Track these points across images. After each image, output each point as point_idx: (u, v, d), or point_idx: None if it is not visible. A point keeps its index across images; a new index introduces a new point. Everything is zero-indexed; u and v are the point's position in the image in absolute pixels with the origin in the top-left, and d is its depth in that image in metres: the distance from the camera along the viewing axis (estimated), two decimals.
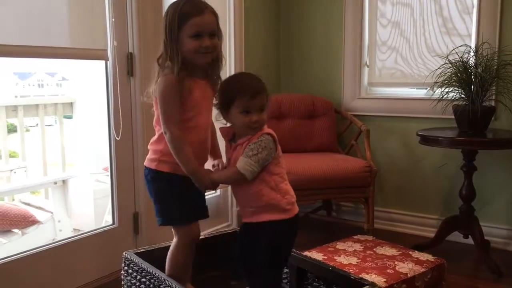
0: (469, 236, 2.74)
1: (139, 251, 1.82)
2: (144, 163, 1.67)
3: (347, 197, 3.01)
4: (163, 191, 1.64)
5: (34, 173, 3.49)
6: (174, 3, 1.56)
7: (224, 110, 1.57)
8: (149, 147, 1.68)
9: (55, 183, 3.03)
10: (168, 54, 1.54)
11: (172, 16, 1.52)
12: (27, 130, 4.00)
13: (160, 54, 1.59)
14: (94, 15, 2.30)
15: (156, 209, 1.67)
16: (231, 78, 1.65)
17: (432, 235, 2.90)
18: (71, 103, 3.63)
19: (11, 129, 3.71)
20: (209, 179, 1.57)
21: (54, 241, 2.31)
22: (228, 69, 3.00)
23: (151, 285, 1.60)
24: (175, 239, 1.68)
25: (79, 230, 3.11)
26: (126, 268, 1.76)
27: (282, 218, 1.55)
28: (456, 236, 2.83)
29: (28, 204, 3.00)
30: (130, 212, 2.52)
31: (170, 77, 1.52)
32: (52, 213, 2.96)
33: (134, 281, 1.70)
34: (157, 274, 1.59)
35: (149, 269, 1.63)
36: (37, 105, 3.48)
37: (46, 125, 3.54)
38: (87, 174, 3.46)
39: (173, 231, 1.69)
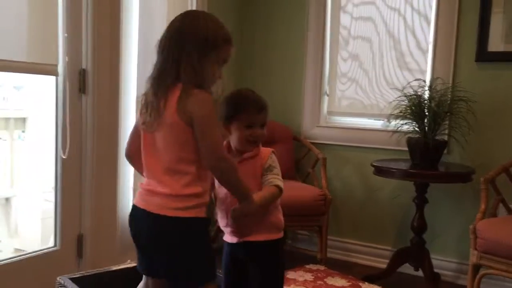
0: (420, 268, 2.75)
1: (74, 276, 1.73)
2: (167, 213, 1.38)
3: (301, 225, 2.98)
4: (202, 241, 1.45)
5: None
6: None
7: (226, 122, 1.58)
8: (174, 192, 1.39)
9: None
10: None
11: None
12: None
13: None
14: (46, 29, 2.24)
15: (187, 267, 1.40)
16: (237, 92, 1.67)
17: (384, 266, 2.89)
18: (24, 118, 3.50)
19: None
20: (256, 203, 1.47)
21: None
22: None
23: None
24: None
25: (22, 250, 2.96)
26: None
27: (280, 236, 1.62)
28: (407, 268, 2.83)
29: None
30: (74, 234, 2.42)
31: (210, 95, 1.41)
32: None
33: None
34: None
35: None
36: None
37: None
38: (36, 192, 3.32)
39: None
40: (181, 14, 1.48)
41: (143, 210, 1.43)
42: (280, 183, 1.54)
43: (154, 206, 1.39)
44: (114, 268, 1.84)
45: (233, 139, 1.59)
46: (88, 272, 1.80)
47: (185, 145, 1.37)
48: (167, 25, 1.47)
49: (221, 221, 1.61)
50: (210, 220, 1.45)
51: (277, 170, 1.57)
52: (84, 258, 2.44)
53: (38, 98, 3.27)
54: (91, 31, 2.35)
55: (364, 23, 3.21)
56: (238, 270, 1.63)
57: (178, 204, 1.37)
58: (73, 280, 1.69)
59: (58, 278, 1.69)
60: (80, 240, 2.43)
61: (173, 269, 1.41)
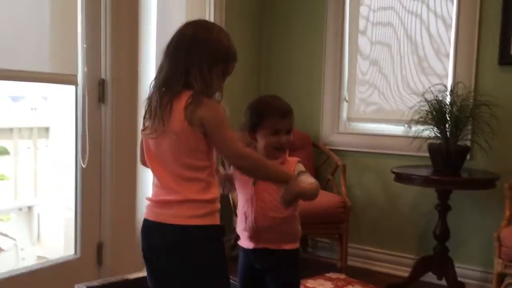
0: (443, 277, 2.68)
1: (92, 284, 1.74)
2: (181, 222, 1.34)
3: (320, 233, 2.95)
4: (219, 251, 1.40)
5: (4, 197, 3.40)
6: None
7: (251, 131, 1.58)
8: (186, 197, 1.35)
9: (20, 209, 2.94)
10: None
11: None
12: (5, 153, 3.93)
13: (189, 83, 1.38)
14: (66, 40, 2.28)
15: (206, 282, 1.36)
16: (260, 99, 1.67)
17: (406, 274, 2.83)
18: (47, 127, 3.57)
19: None
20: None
21: (11, 270, 2.21)
22: None
23: None
24: None
25: (45, 258, 3.00)
26: None
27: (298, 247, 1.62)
28: (430, 277, 2.77)
29: None
30: (94, 242, 2.44)
31: (218, 103, 1.40)
32: (15, 240, 2.86)
33: None
34: None
35: None
36: (11, 129, 3.42)
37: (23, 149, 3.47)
38: (58, 201, 3.37)
39: None
40: (192, 23, 1.46)
41: (153, 222, 1.39)
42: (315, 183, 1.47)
43: (167, 216, 1.36)
44: (131, 276, 1.85)
45: (260, 147, 1.57)
46: (105, 280, 1.81)
47: (195, 152, 1.35)
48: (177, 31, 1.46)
49: (240, 224, 1.59)
50: (224, 227, 1.42)
51: (308, 174, 1.52)
52: (103, 266, 2.46)
53: (60, 108, 3.33)
54: (110, 42, 2.38)
55: (383, 28, 3.18)
56: (254, 280, 1.61)
57: (192, 212, 1.34)
58: None
59: (75, 286, 1.71)
60: (100, 248, 2.45)
61: (190, 283, 1.36)
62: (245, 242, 1.60)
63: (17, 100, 3.64)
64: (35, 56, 2.17)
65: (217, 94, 1.40)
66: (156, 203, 1.41)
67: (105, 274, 2.40)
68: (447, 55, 2.95)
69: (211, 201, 1.37)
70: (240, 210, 1.59)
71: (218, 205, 1.40)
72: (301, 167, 1.55)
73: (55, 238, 3.26)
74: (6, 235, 2.89)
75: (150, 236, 1.41)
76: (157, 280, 1.44)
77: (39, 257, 2.91)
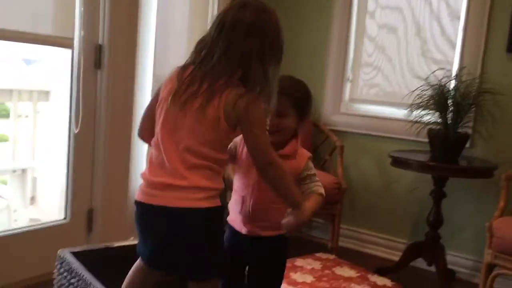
0: (433, 264, 2.67)
1: (75, 250, 1.73)
2: (184, 205, 1.26)
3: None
4: (221, 232, 1.41)
5: (2, 159, 3.40)
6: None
7: None
8: (192, 184, 1.27)
9: (14, 171, 2.94)
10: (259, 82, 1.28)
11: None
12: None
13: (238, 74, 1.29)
14: (64, 2, 2.23)
15: (207, 260, 1.31)
16: None
17: (397, 258, 2.82)
18: (47, 91, 3.55)
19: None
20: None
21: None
22: None
23: (79, 287, 1.52)
24: None
25: (39, 221, 3.02)
26: (58, 266, 1.68)
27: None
28: (421, 263, 2.76)
29: None
30: (84, 208, 2.45)
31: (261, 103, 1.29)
32: (8, 201, 2.87)
33: (64, 281, 1.62)
34: (84, 276, 1.51)
35: (78, 270, 1.55)
36: (11, 90, 3.40)
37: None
38: (55, 165, 3.38)
39: (203, 285, 1.36)
40: (252, 6, 1.30)
41: (152, 206, 1.29)
42: (323, 191, 1.45)
43: (170, 199, 1.27)
44: (117, 244, 1.84)
45: None
46: (90, 246, 1.81)
47: (218, 144, 1.28)
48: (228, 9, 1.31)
49: (235, 206, 1.52)
50: (224, 207, 1.39)
51: (316, 177, 1.48)
52: (93, 232, 2.47)
53: (60, 72, 3.30)
54: (108, 7, 2.33)
55: (391, 12, 3.11)
56: (237, 259, 1.58)
57: (197, 195, 1.26)
58: (74, 254, 1.69)
59: (59, 251, 1.71)
60: (90, 214, 2.46)
61: (190, 262, 1.31)
62: (237, 225, 1.56)
63: (30, 63, 3.62)
64: (32, 18, 2.14)
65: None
66: (157, 184, 1.29)
67: (95, 240, 2.41)
68: (454, 41, 2.88)
69: (216, 189, 1.31)
70: (237, 192, 1.53)
71: (220, 192, 1.34)
72: (310, 166, 1.48)
73: (50, 202, 3.28)
74: (0, 196, 2.90)
75: (146, 219, 1.34)
76: (157, 258, 1.36)
77: (31, 220, 2.92)
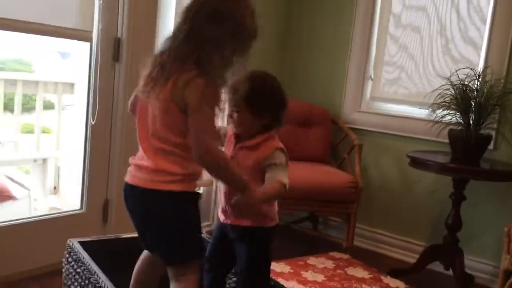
0: (450, 268, 2.60)
1: (84, 240, 1.76)
2: (152, 186, 1.34)
3: (330, 211, 2.90)
4: (190, 217, 1.40)
5: (26, 148, 3.49)
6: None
7: None
8: (157, 167, 1.34)
9: (35, 160, 3.01)
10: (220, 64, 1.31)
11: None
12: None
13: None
14: None
15: (174, 243, 1.37)
16: None
17: (414, 261, 2.77)
18: (72, 83, 3.62)
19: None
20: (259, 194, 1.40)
21: (17, 218, 2.28)
22: None
23: (84, 277, 1.55)
24: (183, 282, 1.39)
25: (59, 209, 3.08)
26: (67, 256, 1.71)
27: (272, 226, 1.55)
28: (438, 266, 2.70)
29: (11, 179, 3.00)
30: (100, 199, 2.48)
31: (217, 87, 1.33)
32: (29, 190, 2.94)
33: (71, 270, 1.65)
34: (89, 265, 1.53)
35: (84, 260, 1.57)
36: (37, 82, 3.49)
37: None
38: (77, 156, 3.44)
39: (178, 271, 1.40)
40: None
41: (131, 186, 1.40)
42: (285, 179, 1.44)
43: (141, 180, 1.36)
44: (125, 235, 1.87)
45: None
46: (99, 236, 1.83)
47: (174, 128, 1.32)
48: None
49: (222, 198, 1.56)
50: (199, 194, 1.42)
51: (282, 167, 1.46)
52: (109, 223, 2.50)
53: (83, 65, 3.36)
54: (128, 1, 2.35)
55: (415, 11, 3.04)
56: (225, 245, 1.59)
57: (162, 178, 1.33)
58: (83, 243, 1.72)
59: (68, 241, 1.74)
60: (106, 205, 2.49)
61: (162, 245, 1.39)
62: (221, 216, 1.58)
63: (66, 56, 3.73)
64: (52, 11, 2.17)
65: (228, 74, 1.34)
66: (135, 167, 1.42)
67: (110, 231, 2.44)
68: (478, 40, 2.79)
69: (182, 175, 1.34)
70: (221, 188, 1.56)
71: (193, 178, 1.37)
72: (275, 156, 1.46)
73: (72, 191, 3.35)
74: (22, 185, 2.98)
75: (130, 199, 1.43)
76: (142, 238, 1.48)
77: (51, 209, 2.99)
